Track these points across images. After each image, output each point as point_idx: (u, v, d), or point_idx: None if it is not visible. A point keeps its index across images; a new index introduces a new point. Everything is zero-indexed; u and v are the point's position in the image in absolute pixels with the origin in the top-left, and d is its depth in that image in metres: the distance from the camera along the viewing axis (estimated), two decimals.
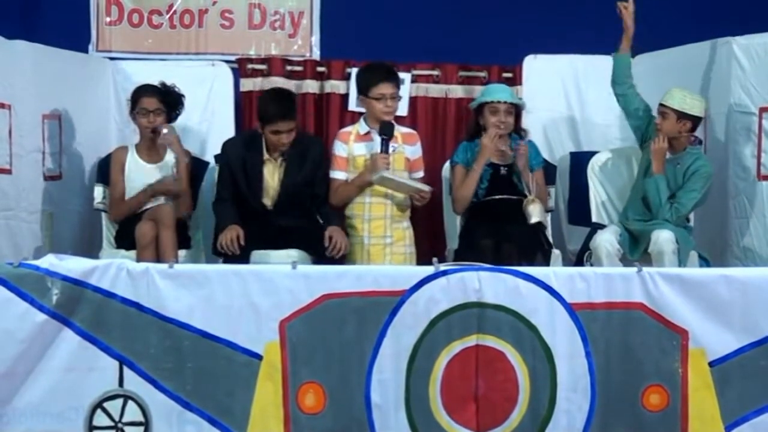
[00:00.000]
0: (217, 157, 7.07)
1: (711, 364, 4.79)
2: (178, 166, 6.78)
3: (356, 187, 6.53)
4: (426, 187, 6.55)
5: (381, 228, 6.52)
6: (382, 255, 6.47)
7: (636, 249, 6.45)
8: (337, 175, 6.62)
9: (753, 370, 4.78)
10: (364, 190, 6.53)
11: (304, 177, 6.51)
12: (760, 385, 4.79)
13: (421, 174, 6.80)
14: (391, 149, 6.48)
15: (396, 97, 6.60)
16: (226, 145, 6.72)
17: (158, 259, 6.30)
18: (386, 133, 6.46)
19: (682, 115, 6.49)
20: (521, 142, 6.72)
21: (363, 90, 6.62)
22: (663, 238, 6.26)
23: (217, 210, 6.62)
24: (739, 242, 6.70)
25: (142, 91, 6.89)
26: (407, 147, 6.70)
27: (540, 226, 6.52)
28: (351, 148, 6.61)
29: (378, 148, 6.45)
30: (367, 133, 6.61)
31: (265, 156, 6.52)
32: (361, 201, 6.54)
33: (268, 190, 6.53)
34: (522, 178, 6.64)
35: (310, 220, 6.51)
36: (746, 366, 4.78)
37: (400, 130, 6.69)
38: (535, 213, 6.49)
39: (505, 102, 6.70)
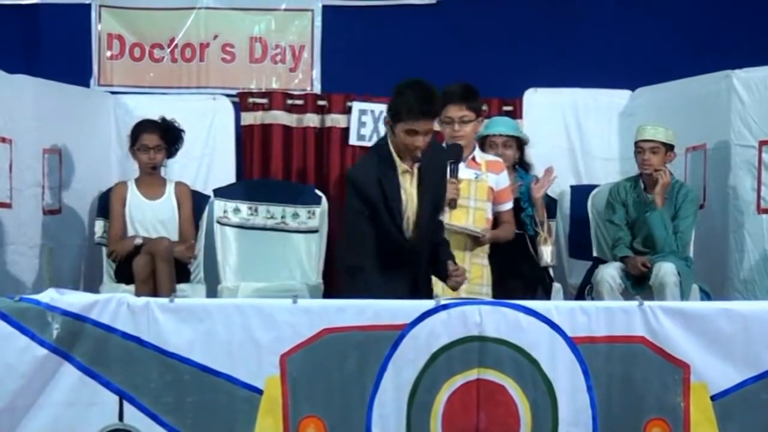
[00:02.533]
0: (219, 192, 7.00)
1: (713, 398, 4.77)
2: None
3: None
4: (478, 230, 5.95)
5: (460, 261, 5.74)
6: (458, 293, 5.59)
7: (638, 284, 6.46)
8: None
9: (755, 404, 4.75)
10: None
11: (437, 194, 5.55)
12: (762, 419, 4.76)
13: (508, 206, 6.23)
14: (473, 176, 5.99)
15: (467, 121, 5.99)
16: (357, 173, 5.46)
17: (155, 292, 6.29)
18: (453, 156, 5.88)
19: (669, 147, 6.58)
20: (548, 175, 6.66)
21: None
22: (665, 270, 6.28)
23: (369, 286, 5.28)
24: (739, 275, 6.70)
25: (142, 128, 6.89)
26: (491, 175, 6.11)
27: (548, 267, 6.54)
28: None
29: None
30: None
31: (401, 167, 5.43)
32: None
33: (407, 216, 5.45)
34: (536, 211, 6.62)
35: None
36: (748, 400, 4.75)
37: (484, 157, 6.18)
38: (546, 255, 6.47)
39: (501, 135, 6.70)
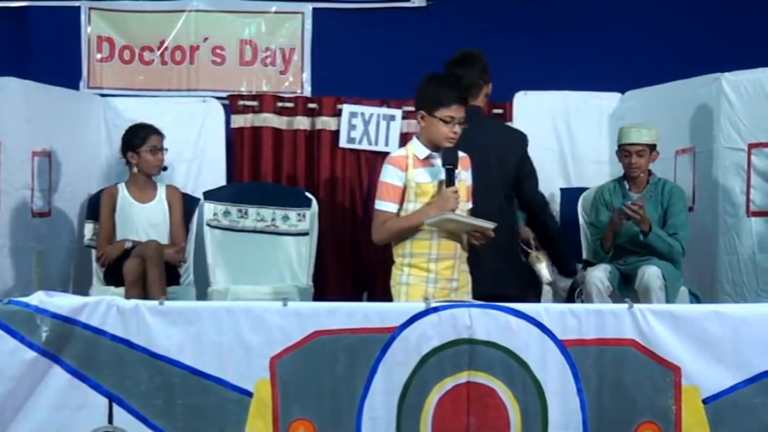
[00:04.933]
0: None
1: (705, 401, 4.76)
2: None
3: (412, 225, 5.42)
4: (491, 225, 5.45)
5: (450, 270, 5.45)
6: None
7: (626, 287, 6.46)
8: (386, 206, 5.45)
9: (747, 408, 4.75)
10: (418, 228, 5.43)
11: None
12: (755, 423, 4.75)
13: (470, 205, 5.69)
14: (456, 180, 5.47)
15: (462, 123, 5.51)
16: None
17: (146, 295, 6.28)
18: (451, 161, 5.41)
19: (653, 148, 6.59)
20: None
21: (428, 107, 5.48)
22: (649, 274, 6.28)
23: None
24: (729, 278, 6.70)
25: (148, 130, 6.90)
26: (463, 172, 5.58)
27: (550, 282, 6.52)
28: (411, 175, 5.45)
29: (441, 177, 5.41)
30: (428, 157, 5.48)
31: None
32: (425, 238, 5.41)
33: None
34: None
35: None
36: (740, 403, 4.74)
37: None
38: (545, 272, 6.42)
39: None
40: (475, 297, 5.37)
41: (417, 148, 5.50)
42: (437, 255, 5.42)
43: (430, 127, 5.47)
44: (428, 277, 5.42)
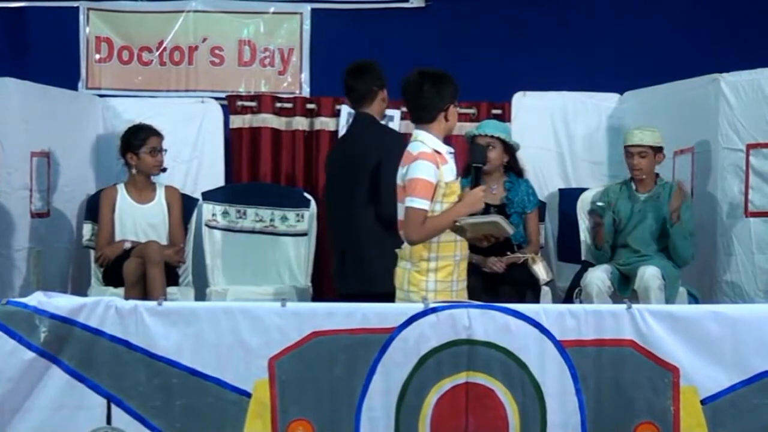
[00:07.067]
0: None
1: (703, 401, 4.76)
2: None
3: (448, 225, 5.20)
4: (512, 230, 5.48)
5: (465, 270, 5.38)
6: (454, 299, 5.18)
7: (626, 286, 6.47)
8: (423, 204, 5.15)
9: (745, 408, 4.75)
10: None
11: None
12: (753, 424, 4.75)
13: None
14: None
15: None
16: None
17: (146, 296, 6.28)
18: (481, 159, 5.48)
19: (657, 150, 6.60)
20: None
21: (455, 98, 5.33)
22: (648, 274, 6.29)
23: None
24: (727, 279, 6.70)
25: (147, 131, 6.90)
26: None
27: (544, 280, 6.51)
28: (442, 173, 5.21)
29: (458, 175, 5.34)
30: (443, 153, 5.28)
31: None
32: (450, 240, 5.25)
33: None
34: (529, 247, 6.65)
35: None
36: (739, 404, 4.74)
37: (449, 149, 5.40)
38: (541, 272, 6.41)
39: (484, 135, 6.66)
40: (356, 296, 5.34)
41: (435, 143, 5.25)
42: (460, 256, 5.32)
43: (453, 118, 5.36)
44: (452, 282, 5.31)
